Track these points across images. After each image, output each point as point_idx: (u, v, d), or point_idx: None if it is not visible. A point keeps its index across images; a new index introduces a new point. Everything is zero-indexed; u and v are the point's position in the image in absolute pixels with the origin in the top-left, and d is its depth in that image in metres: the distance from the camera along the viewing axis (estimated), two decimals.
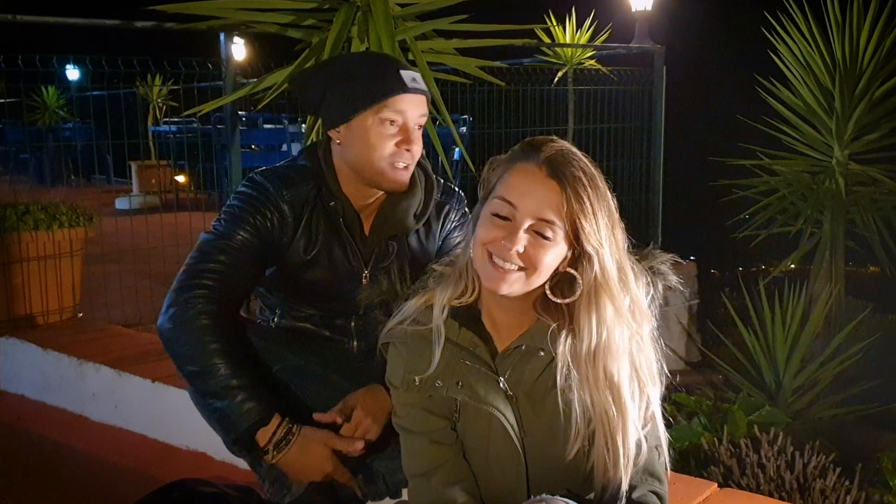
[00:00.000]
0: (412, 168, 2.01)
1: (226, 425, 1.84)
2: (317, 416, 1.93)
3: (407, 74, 1.98)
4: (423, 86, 2.00)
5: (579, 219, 1.43)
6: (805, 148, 5.75)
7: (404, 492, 1.87)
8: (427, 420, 1.60)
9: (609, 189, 1.48)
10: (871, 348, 4.91)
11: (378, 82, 1.97)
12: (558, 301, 1.49)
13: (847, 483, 3.33)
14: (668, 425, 1.57)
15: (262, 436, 1.82)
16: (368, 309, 2.07)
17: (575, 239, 1.46)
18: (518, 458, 1.56)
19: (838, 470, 3.37)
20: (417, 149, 1.99)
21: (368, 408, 1.88)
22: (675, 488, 1.99)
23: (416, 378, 1.58)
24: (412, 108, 1.97)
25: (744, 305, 5.12)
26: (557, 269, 1.49)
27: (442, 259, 1.68)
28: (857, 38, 5.40)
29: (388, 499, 2.03)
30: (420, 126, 2.01)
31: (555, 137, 1.51)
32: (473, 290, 1.57)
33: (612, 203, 1.48)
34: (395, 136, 1.96)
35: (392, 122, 1.96)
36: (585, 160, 1.48)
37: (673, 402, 4.27)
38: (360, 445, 1.84)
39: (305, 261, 2.02)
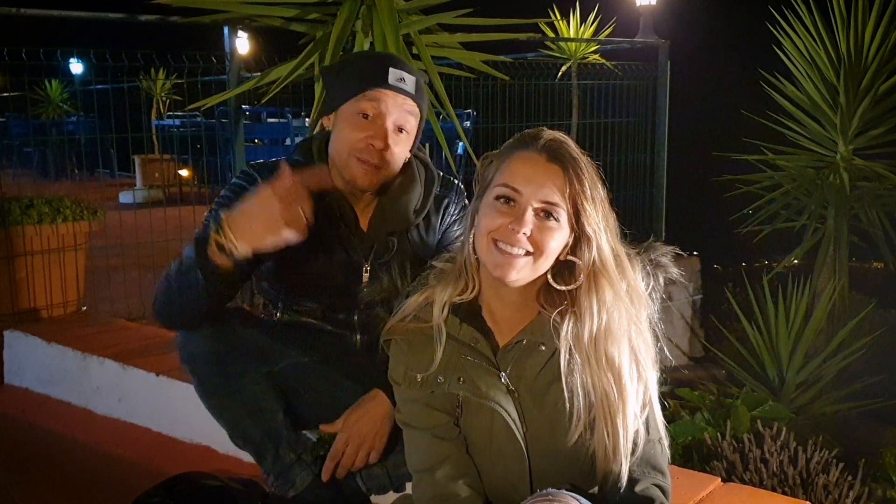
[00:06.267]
0: (382, 171, 1.96)
1: (192, 259, 1.76)
2: (324, 428, 1.97)
3: (395, 73, 1.96)
4: (410, 89, 1.97)
5: (581, 200, 1.47)
6: (809, 143, 5.73)
7: (408, 485, 1.88)
8: (429, 416, 1.61)
9: (599, 178, 1.52)
10: (875, 344, 4.91)
11: (365, 75, 1.98)
12: (561, 288, 1.51)
13: (850, 478, 3.33)
14: (670, 420, 1.58)
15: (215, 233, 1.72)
16: (370, 305, 2.08)
17: (576, 221, 1.49)
18: (520, 453, 1.57)
19: (841, 465, 3.37)
20: (391, 151, 1.95)
21: (355, 434, 1.91)
22: (678, 483, 1.99)
23: (418, 375, 1.59)
24: (390, 106, 1.94)
25: (747, 301, 5.12)
26: (558, 257, 1.51)
27: (441, 255, 1.68)
28: (862, 33, 5.38)
29: (391, 492, 2.04)
30: (400, 129, 1.97)
31: (545, 128, 1.54)
32: (474, 287, 1.58)
33: (603, 191, 1.52)
34: (366, 128, 1.95)
35: (366, 115, 1.95)
36: (578, 148, 1.52)
37: (676, 396, 4.28)
38: None
39: (303, 255, 2.02)
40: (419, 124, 2.04)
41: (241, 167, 4.24)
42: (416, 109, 2.00)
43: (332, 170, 2.03)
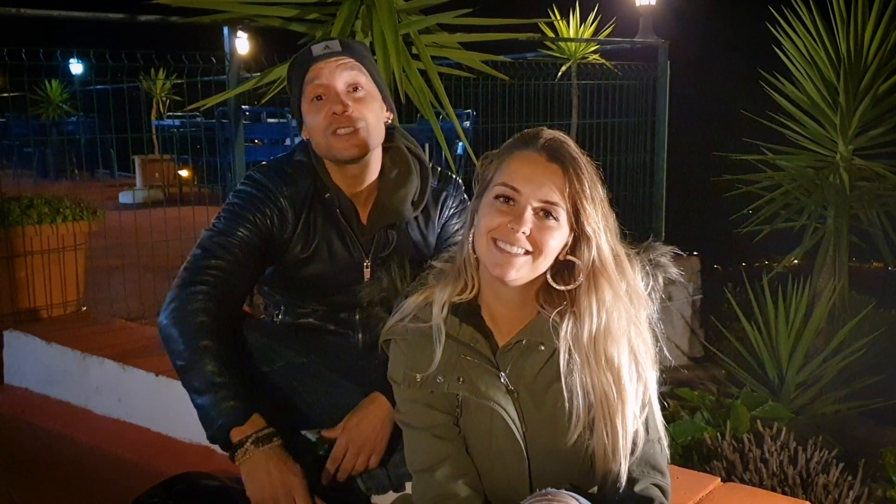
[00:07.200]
0: (360, 134, 1.96)
1: (205, 421, 1.86)
2: (325, 433, 1.96)
3: (318, 46, 1.99)
4: (337, 48, 1.99)
5: (580, 199, 1.47)
6: (809, 143, 5.73)
7: (408, 485, 1.87)
8: (429, 415, 1.61)
9: (599, 178, 1.52)
10: (875, 344, 4.91)
11: (297, 68, 2.01)
12: (560, 288, 1.51)
13: (850, 478, 3.33)
14: (670, 420, 1.58)
15: (237, 434, 1.83)
16: (371, 304, 2.08)
17: (575, 221, 1.49)
18: (520, 453, 1.57)
19: (841, 465, 3.37)
20: (355, 110, 1.95)
21: (355, 438, 1.91)
22: (678, 483, 1.99)
23: (418, 375, 1.59)
24: (329, 74, 1.96)
25: (747, 300, 5.12)
26: (557, 257, 1.51)
27: (441, 255, 1.69)
28: (862, 33, 5.38)
29: (391, 492, 2.04)
30: (353, 87, 1.98)
31: (545, 128, 1.54)
32: (473, 287, 1.58)
33: (603, 191, 1.52)
34: (322, 107, 1.97)
35: (318, 97, 1.97)
36: (578, 147, 1.52)
37: (676, 396, 4.28)
38: None
39: (306, 257, 2.03)
40: (376, 82, 2.04)
41: (240, 167, 4.27)
42: (356, 63, 1.99)
43: (328, 166, 2.04)
